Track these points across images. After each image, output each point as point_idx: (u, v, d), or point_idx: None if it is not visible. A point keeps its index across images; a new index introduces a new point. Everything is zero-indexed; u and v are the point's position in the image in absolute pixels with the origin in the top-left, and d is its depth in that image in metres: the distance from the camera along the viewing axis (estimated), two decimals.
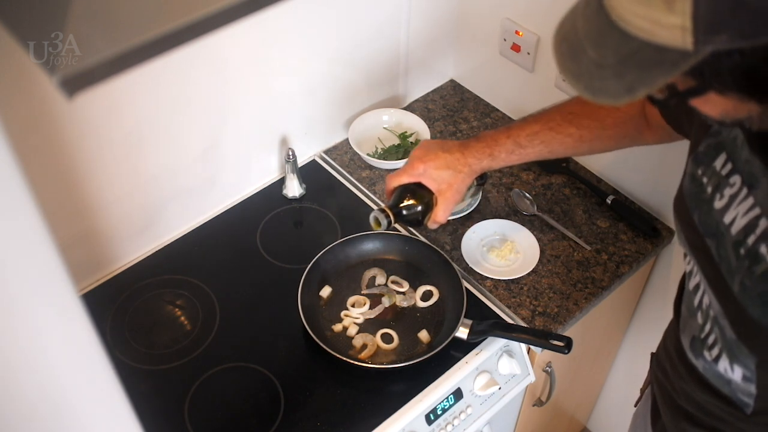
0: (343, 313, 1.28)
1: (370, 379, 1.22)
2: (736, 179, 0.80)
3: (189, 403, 1.18)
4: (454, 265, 1.31)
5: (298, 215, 1.48)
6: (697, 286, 0.90)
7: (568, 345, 1.15)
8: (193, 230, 1.44)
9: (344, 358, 1.18)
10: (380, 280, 1.33)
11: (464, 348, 1.24)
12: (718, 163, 0.83)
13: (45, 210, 0.44)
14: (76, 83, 0.49)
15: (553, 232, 1.42)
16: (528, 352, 1.30)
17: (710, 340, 0.88)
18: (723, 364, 0.86)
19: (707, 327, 0.88)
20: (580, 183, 1.51)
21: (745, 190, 0.78)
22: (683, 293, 0.98)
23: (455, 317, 1.24)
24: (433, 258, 1.33)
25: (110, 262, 1.37)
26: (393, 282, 1.32)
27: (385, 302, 1.30)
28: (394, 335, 1.25)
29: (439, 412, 1.19)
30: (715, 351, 0.87)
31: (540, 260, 1.36)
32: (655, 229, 1.42)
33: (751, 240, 0.76)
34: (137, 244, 1.39)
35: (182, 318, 1.31)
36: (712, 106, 0.69)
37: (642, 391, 1.25)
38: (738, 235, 0.78)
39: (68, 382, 0.52)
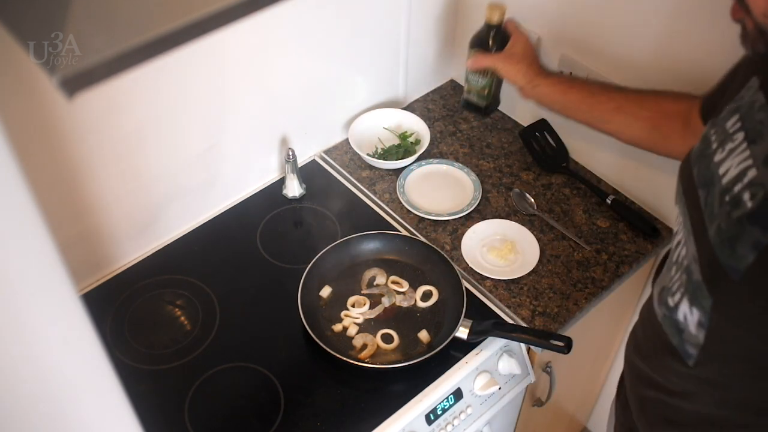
0: (343, 313, 1.28)
1: (370, 379, 1.22)
2: (739, 135, 0.82)
3: (189, 403, 1.18)
4: (454, 265, 1.31)
5: (298, 215, 1.48)
6: (679, 242, 0.93)
7: (568, 345, 1.15)
8: (193, 230, 1.44)
9: (344, 358, 1.18)
10: (380, 280, 1.33)
11: (464, 348, 1.24)
12: (730, 123, 0.85)
13: (45, 210, 0.44)
14: (76, 83, 0.49)
15: (553, 232, 1.42)
16: (528, 352, 1.30)
17: (675, 286, 0.90)
18: (683, 309, 0.87)
19: (676, 275, 0.91)
20: (580, 183, 1.51)
21: (744, 144, 0.80)
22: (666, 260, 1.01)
23: (455, 317, 1.23)
24: (433, 258, 1.33)
25: (110, 262, 1.37)
26: (393, 282, 1.32)
27: (385, 302, 1.30)
28: (395, 335, 1.25)
29: (439, 412, 1.19)
30: (678, 296, 0.89)
31: (540, 260, 1.36)
32: (655, 229, 1.42)
33: (737, 188, 0.78)
34: (137, 244, 1.39)
35: (182, 318, 1.31)
36: None
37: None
38: (727, 184, 0.80)
39: (68, 382, 0.52)
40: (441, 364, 1.22)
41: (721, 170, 0.82)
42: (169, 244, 1.42)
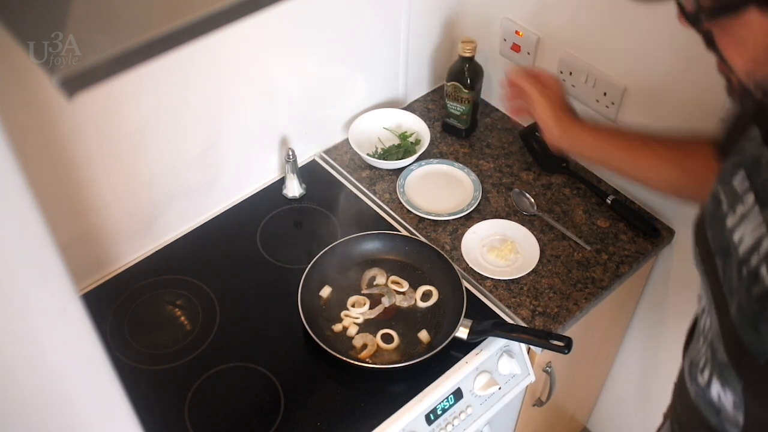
0: (343, 313, 1.28)
1: (370, 379, 1.22)
2: (749, 197, 0.77)
3: (189, 403, 1.18)
4: (454, 265, 1.31)
5: (298, 215, 1.48)
6: (704, 309, 0.88)
7: (568, 345, 1.15)
8: (193, 230, 1.44)
9: (344, 358, 1.18)
10: (380, 280, 1.33)
11: (464, 348, 1.24)
12: (737, 180, 0.80)
13: (45, 210, 0.44)
14: (76, 83, 0.49)
15: (553, 232, 1.42)
16: (528, 352, 1.30)
17: (702, 361, 0.86)
18: (715, 389, 0.83)
19: (703, 349, 0.86)
20: (580, 183, 1.51)
21: (756, 208, 0.75)
22: (696, 325, 0.95)
23: (455, 317, 1.23)
24: (433, 258, 1.33)
25: (110, 262, 1.37)
26: (393, 282, 1.32)
27: (385, 302, 1.30)
28: (395, 335, 1.25)
29: (439, 412, 1.19)
30: (707, 374, 0.85)
31: (540, 260, 1.36)
32: (655, 229, 1.41)
33: (754, 260, 0.74)
34: (137, 244, 1.39)
35: (182, 318, 1.31)
36: (743, 42, 0.63)
37: (665, 417, 1.21)
38: (744, 255, 0.76)
39: (68, 382, 0.52)
40: (441, 364, 1.22)
41: (736, 237, 0.78)
42: (169, 244, 1.42)
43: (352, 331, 1.26)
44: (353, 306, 1.29)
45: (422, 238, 1.39)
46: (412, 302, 1.30)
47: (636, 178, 1.21)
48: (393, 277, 1.33)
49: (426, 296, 1.31)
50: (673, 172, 1.14)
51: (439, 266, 1.32)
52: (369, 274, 1.34)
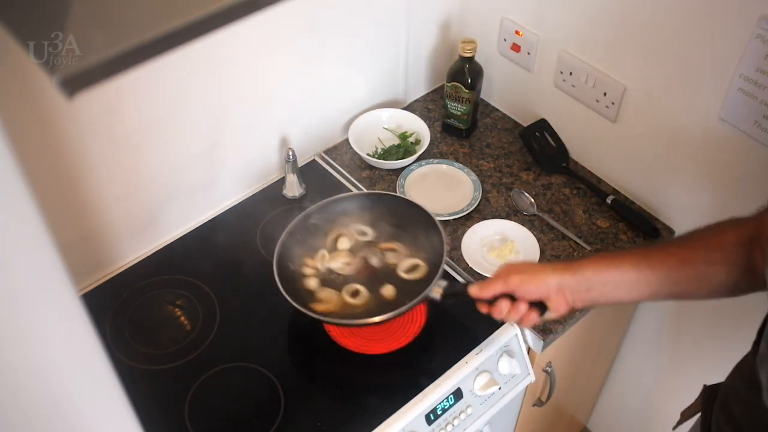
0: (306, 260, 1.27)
1: (370, 379, 1.22)
2: None
3: (189, 403, 1.18)
4: (438, 225, 1.26)
5: (298, 215, 1.48)
6: None
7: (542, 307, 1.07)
8: (193, 230, 1.44)
9: (300, 308, 1.16)
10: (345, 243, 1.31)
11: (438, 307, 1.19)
12: None
13: (45, 210, 0.44)
14: (76, 83, 0.49)
15: (553, 232, 1.42)
16: (528, 352, 1.30)
17: None
18: None
19: None
20: (580, 183, 1.51)
21: None
22: (766, 326, 0.89)
23: (431, 277, 1.19)
24: (415, 217, 1.30)
25: (110, 262, 1.37)
26: (386, 247, 1.30)
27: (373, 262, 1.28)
28: (363, 290, 1.24)
29: (439, 412, 1.19)
30: None
31: (540, 260, 1.36)
32: (655, 229, 1.41)
33: None
34: (137, 244, 1.39)
35: (182, 318, 1.31)
36: None
37: (683, 415, 1.17)
38: None
39: (68, 382, 0.52)
40: (441, 364, 1.22)
41: None
42: (169, 244, 1.42)
43: (312, 282, 1.25)
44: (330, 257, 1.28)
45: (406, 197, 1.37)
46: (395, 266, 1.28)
47: (680, 298, 1.03)
48: (388, 244, 1.30)
49: (413, 269, 1.27)
50: (723, 274, 0.96)
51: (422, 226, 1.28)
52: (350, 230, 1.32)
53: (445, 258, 1.21)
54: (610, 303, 1.02)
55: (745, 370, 0.94)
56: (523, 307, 1.01)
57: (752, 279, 0.93)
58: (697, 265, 0.96)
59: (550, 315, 1.03)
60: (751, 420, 0.90)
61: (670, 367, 1.68)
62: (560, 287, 0.99)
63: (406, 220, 1.31)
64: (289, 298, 1.17)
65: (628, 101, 1.39)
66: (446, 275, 1.23)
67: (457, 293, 1.15)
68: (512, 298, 1.02)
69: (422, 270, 1.26)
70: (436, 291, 1.15)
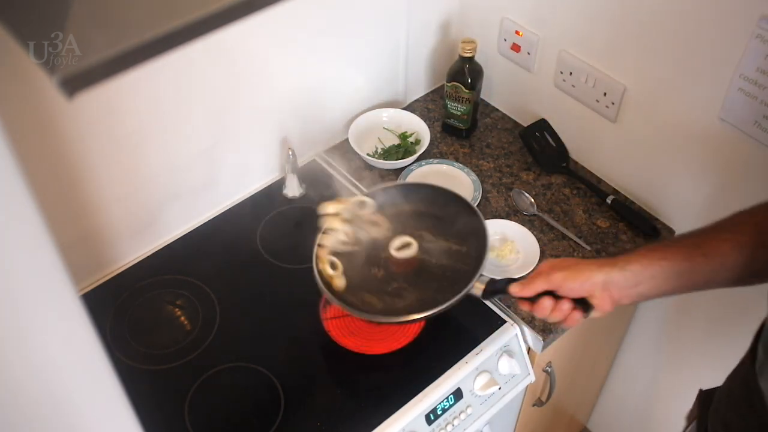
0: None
1: (370, 379, 1.22)
2: None
3: (189, 403, 1.18)
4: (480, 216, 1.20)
5: (298, 215, 1.48)
6: None
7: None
8: (193, 230, 1.44)
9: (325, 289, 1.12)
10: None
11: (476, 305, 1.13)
12: None
13: (45, 210, 0.44)
14: (76, 83, 0.49)
15: (553, 232, 1.42)
16: (528, 352, 1.30)
17: None
18: None
19: None
20: (580, 183, 1.51)
21: None
22: (762, 331, 0.88)
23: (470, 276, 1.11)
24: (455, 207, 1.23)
25: (110, 262, 1.37)
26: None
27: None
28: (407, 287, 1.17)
29: (439, 412, 1.19)
30: None
31: (540, 260, 1.36)
32: (655, 229, 1.42)
33: None
34: (137, 244, 1.39)
35: (182, 318, 1.31)
36: None
37: (688, 419, 1.15)
38: None
39: (68, 382, 0.52)
40: (441, 364, 1.22)
41: None
42: (169, 244, 1.42)
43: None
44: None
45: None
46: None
47: (726, 285, 0.96)
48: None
49: (403, 248, 1.20)
50: (761, 255, 0.92)
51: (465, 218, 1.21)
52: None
53: (487, 254, 1.14)
54: (658, 297, 0.97)
55: (741, 376, 0.92)
56: (567, 305, 0.97)
57: None
58: (753, 250, 0.91)
59: (595, 314, 0.98)
60: (749, 427, 0.89)
61: (670, 367, 1.68)
62: (606, 284, 0.94)
63: (445, 211, 1.24)
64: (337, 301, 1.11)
65: (628, 101, 1.39)
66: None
67: (498, 291, 1.09)
68: (555, 296, 0.98)
69: (414, 249, 1.19)
70: (478, 288, 1.10)
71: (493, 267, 1.36)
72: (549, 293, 0.98)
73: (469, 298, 1.10)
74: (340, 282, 1.15)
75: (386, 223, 1.22)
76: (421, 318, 1.10)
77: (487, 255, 1.13)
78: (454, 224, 1.22)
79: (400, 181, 1.44)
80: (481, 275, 1.10)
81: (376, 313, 1.12)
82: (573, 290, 0.96)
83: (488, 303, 1.31)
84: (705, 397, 1.06)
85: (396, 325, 1.24)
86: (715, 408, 0.99)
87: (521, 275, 1.29)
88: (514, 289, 1.01)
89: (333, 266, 1.16)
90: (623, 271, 0.94)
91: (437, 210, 1.24)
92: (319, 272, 1.16)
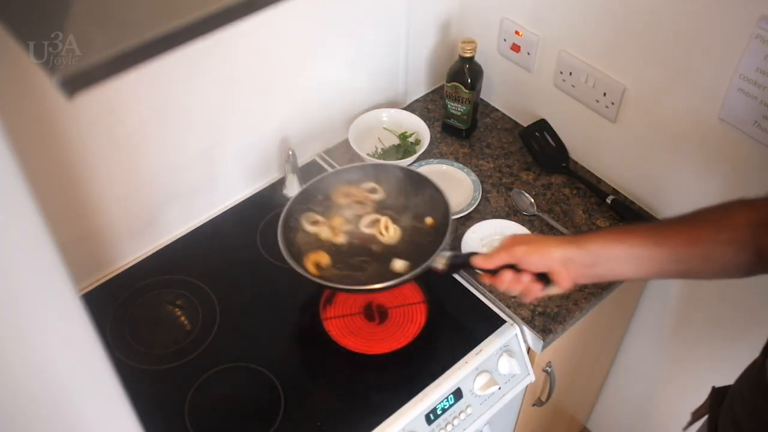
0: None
1: (370, 379, 1.22)
2: None
3: (189, 403, 1.18)
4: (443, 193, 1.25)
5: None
6: None
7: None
8: (193, 230, 1.44)
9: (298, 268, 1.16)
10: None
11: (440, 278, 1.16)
12: None
13: (45, 210, 0.44)
14: (76, 83, 0.49)
15: (553, 232, 1.42)
16: (528, 352, 1.30)
17: None
18: None
19: None
20: (580, 183, 1.51)
21: None
22: None
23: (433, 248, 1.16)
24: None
25: (110, 262, 1.37)
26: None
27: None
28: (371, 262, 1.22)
29: (439, 412, 1.19)
30: None
31: None
32: None
33: None
34: (137, 244, 1.39)
35: (182, 318, 1.31)
36: None
37: (694, 416, 1.15)
38: None
39: (69, 382, 0.52)
40: (441, 364, 1.22)
41: None
42: (169, 244, 1.42)
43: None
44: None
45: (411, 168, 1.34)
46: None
47: (688, 277, 0.99)
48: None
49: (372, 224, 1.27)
50: (731, 255, 0.94)
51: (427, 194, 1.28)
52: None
53: (451, 227, 1.19)
54: (614, 279, 0.99)
55: (752, 377, 0.92)
56: (526, 278, 0.99)
57: (761, 262, 0.92)
58: (705, 244, 0.94)
59: (553, 290, 1.00)
60: (757, 427, 0.89)
61: (671, 367, 1.68)
62: (565, 260, 0.96)
63: (411, 189, 1.31)
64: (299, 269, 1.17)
65: (628, 101, 1.39)
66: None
67: (460, 264, 1.13)
68: (516, 270, 1.01)
69: (394, 233, 1.26)
70: (440, 261, 1.13)
71: None
72: (510, 267, 1.01)
73: (433, 272, 1.14)
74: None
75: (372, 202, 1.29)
76: (383, 288, 1.14)
77: (450, 230, 1.18)
78: (420, 202, 1.29)
79: (368, 161, 1.46)
80: (444, 250, 1.14)
81: (340, 283, 1.18)
82: (533, 264, 0.98)
83: (488, 303, 1.31)
84: (717, 395, 1.06)
85: (356, 294, 1.29)
86: (727, 406, 1.00)
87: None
88: (477, 261, 1.04)
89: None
90: (581, 249, 0.96)
91: (405, 189, 1.31)
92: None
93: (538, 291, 1.01)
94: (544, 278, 1.00)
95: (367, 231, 1.27)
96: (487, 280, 1.05)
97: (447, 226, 1.20)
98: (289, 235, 1.24)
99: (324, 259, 1.23)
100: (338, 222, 1.28)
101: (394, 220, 1.28)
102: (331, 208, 1.30)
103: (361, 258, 1.23)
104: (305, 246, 1.25)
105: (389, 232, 1.26)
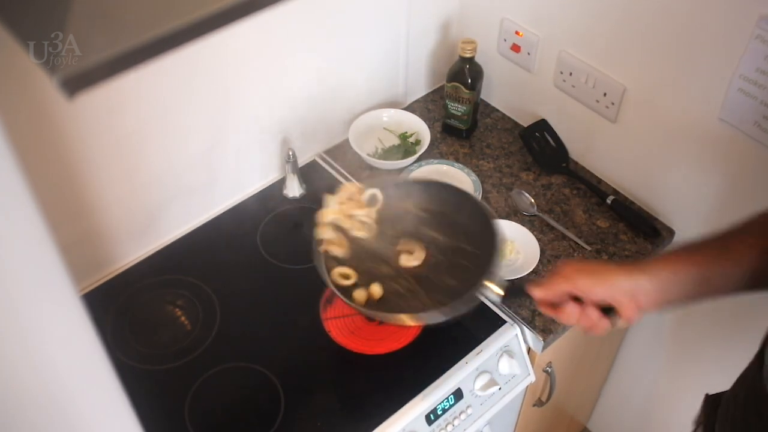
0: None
1: (370, 379, 1.22)
2: None
3: (189, 403, 1.18)
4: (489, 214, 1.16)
5: (298, 215, 1.48)
6: None
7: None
8: (193, 230, 1.44)
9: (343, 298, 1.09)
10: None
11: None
12: None
13: (45, 210, 0.44)
14: (76, 83, 0.49)
15: (553, 232, 1.42)
16: (528, 353, 1.30)
17: None
18: None
19: None
20: (580, 183, 1.51)
21: None
22: None
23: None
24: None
25: (110, 262, 1.37)
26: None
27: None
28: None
29: (439, 412, 1.19)
30: None
31: (540, 260, 1.36)
32: (655, 229, 1.42)
33: None
34: (137, 244, 1.39)
35: (182, 318, 1.31)
36: None
37: (695, 424, 1.12)
38: None
39: (69, 382, 0.52)
40: (441, 364, 1.22)
41: None
42: (169, 244, 1.42)
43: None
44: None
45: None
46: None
47: (753, 292, 0.92)
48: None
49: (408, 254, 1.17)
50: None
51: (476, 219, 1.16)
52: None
53: (498, 254, 1.08)
54: (685, 304, 0.93)
55: (748, 382, 0.91)
56: (594, 313, 0.92)
57: None
58: (762, 256, 0.88)
59: (620, 323, 0.93)
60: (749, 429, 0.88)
61: (671, 367, 1.68)
62: (634, 291, 0.89)
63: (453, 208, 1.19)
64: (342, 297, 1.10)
65: (628, 101, 1.39)
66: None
67: (518, 293, 1.03)
68: (576, 299, 0.93)
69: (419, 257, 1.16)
70: (493, 290, 1.03)
71: None
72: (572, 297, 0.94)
73: (492, 298, 1.06)
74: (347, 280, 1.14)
75: (375, 226, 1.18)
76: (436, 322, 1.05)
77: (498, 256, 1.08)
78: (465, 225, 1.18)
79: (413, 177, 1.42)
80: (493, 277, 1.04)
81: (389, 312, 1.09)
82: (598, 296, 0.91)
83: (488, 303, 1.31)
84: (711, 402, 1.05)
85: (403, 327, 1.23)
86: (723, 412, 0.99)
87: (531, 275, 1.28)
88: (535, 292, 0.96)
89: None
90: (652, 279, 0.90)
91: (449, 210, 1.20)
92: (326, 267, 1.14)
93: (606, 326, 0.93)
94: (607, 309, 0.93)
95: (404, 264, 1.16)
96: (549, 312, 0.96)
97: (495, 251, 1.08)
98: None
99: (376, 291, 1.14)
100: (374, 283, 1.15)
101: (433, 241, 1.18)
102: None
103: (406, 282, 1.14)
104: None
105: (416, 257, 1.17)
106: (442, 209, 1.20)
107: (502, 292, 1.03)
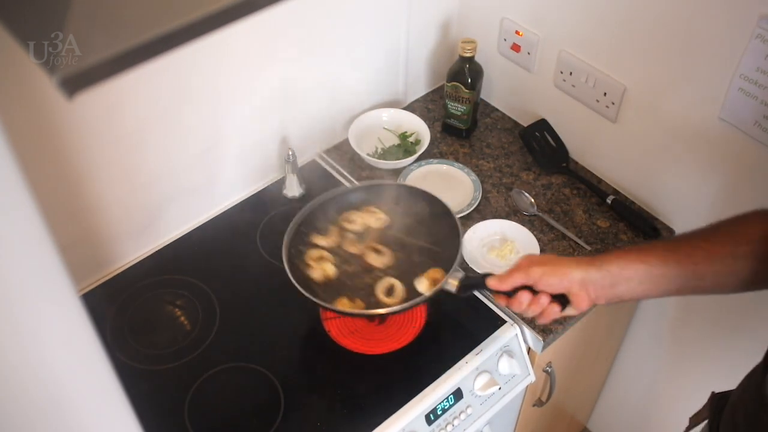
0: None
1: (370, 379, 1.22)
2: None
3: (189, 403, 1.18)
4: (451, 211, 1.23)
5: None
6: None
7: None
8: (193, 230, 1.44)
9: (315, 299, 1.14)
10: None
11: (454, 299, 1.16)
12: None
13: (45, 210, 0.44)
14: (76, 83, 0.49)
15: (553, 232, 1.42)
16: (528, 352, 1.30)
17: None
18: None
19: None
20: (580, 183, 1.51)
21: None
22: None
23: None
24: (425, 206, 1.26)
25: (110, 262, 1.37)
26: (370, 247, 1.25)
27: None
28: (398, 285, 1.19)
29: (439, 412, 1.19)
30: None
31: None
32: (655, 229, 1.41)
33: None
34: (137, 244, 1.39)
35: (182, 318, 1.31)
36: None
37: (692, 421, 1.14)
38: None
39: (68, 382, 0.52)
40: (441, 364, 1.22)
41: None
42: (169, 244, 1.42)
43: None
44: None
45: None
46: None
47: (706, 293, 0.98)
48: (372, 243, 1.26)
49: (388, 291, 1.21)
50: (750, 270, 0.92)
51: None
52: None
53: (461, 248, 1.16)
54: (634, 299, 0.98)
55: (752, 387, 0.91)
56: (544, 300, 0.98)
57: None
58: (724, 259, 0.93)
59: (571, 311, 1.00)
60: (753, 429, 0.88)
61: (671, 367, 1.68)
62: (584, 282, 0.96)
63: (418, 209, 1.27)
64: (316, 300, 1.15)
65: (628, 101, 1.39)
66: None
67: (474, 285, 1.11)
68: (533, 291, 0.99)
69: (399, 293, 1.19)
70: (452, 283, 1.11)
71: (494, 267, 1.36)
72: (527, 288, 1.00)
73: (446, 293, 1.12)
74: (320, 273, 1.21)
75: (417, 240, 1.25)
76: (397, 311, 1.13)
77: (461, 251, 1.16)
78: (428, 222, 1.25)
79: (375, 181, 1.45)
80: (456, 271, 1.12)
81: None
82: (551, 286, 0.97)
83: (488, 303, 1.31)
84: (717, 400, 1.05)
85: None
86: (728, 413, 0.99)
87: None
88: (492, 283, 1.03)
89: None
90: (600, 271, 0.96)
91: (410, 208, 1.27)
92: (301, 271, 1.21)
93: (555, 313, 1.00)
94: (561, 299, 0.99)
95: (369, 261, 1.23)
96: (502, 301, 1.03)
97: (458, 246, 1.16)
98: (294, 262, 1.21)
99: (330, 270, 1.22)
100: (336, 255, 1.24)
101: (399, 242, 1.24)
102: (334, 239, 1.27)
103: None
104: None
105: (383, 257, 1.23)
106: (409, 211, 1.27)
107: (457, 284, 1.11)
